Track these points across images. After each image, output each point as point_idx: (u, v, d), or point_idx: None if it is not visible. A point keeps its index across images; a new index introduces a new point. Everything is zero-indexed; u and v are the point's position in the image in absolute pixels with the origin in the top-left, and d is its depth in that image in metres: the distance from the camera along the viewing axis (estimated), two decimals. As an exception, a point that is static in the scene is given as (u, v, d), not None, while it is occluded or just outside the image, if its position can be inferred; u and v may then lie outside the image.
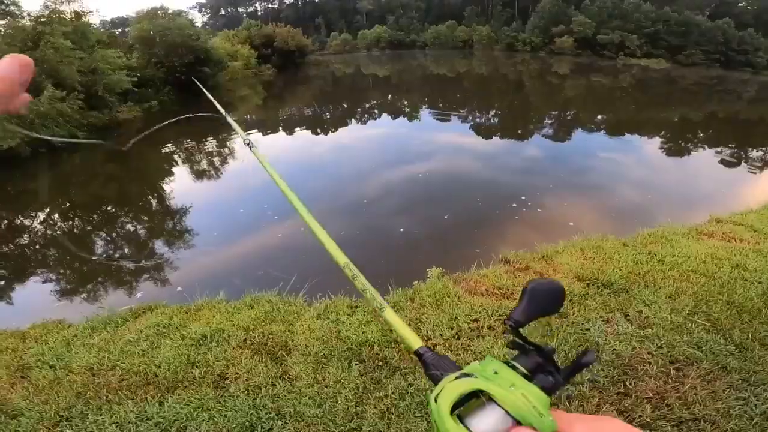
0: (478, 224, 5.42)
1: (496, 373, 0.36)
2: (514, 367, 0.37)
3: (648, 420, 1.71)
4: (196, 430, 1.80)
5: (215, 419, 1.84)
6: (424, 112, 16.13)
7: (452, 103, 18.53)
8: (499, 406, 0.33)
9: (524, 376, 0.37)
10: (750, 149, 10.71)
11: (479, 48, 47.46)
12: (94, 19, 14.16)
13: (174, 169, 9.75)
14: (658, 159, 9.68)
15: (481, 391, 0.34)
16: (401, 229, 5.39)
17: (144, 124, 13.29)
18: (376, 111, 17.13)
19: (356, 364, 2.10)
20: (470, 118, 14.79)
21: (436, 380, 0.40)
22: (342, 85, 27.76)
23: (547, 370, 0.37)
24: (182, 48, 18.31)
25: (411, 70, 34.46)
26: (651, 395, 1.83)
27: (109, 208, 7.46)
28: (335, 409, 1.85)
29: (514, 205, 5.97)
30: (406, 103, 19.04)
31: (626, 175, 8.09)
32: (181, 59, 18.26)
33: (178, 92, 17.86)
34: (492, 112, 16.17)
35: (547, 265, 3.08)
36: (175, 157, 10.86)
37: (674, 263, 3.02)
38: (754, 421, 1.70)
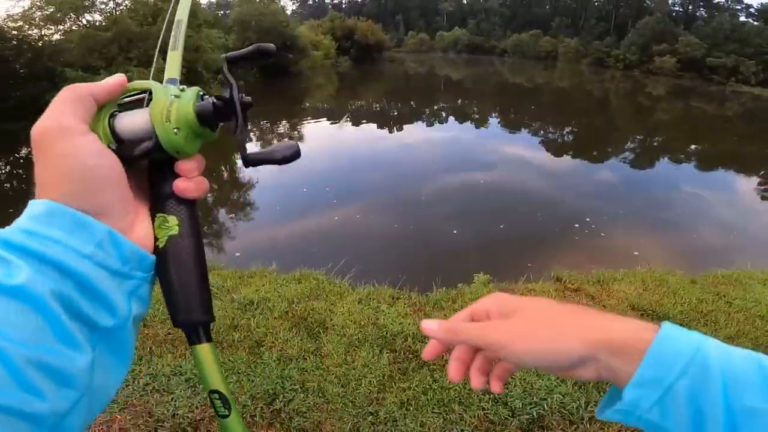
0: (534, 239, 5.23)
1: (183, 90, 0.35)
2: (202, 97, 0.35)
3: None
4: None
5: (242, 382, 1.91)
6: (494, 120, 15.71)
7: (525, 114, 17.83)
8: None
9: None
10: None
11: (563, 60, 45.08)
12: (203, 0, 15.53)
13: (247, 146, 10.44)
14: (752, 199, 8.58)
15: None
16: (454, 231, 5.34)
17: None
18: (443, 114, 16.99)
19: (387, 353, 2.14)
20: (542, 132, 14.14)
21: None
22: (413, 83, 27.84)
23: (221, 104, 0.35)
24: (272, 33, 19.53)
25: (486, 76, 33.64)
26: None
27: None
28: (358, 391, 1.90)
29: (577, 225, 5.65)
30: (476, 109, 18.66)
31: (710, 212, 7.27)
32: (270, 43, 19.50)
33: (263, 75, 19.10)
34: (567, 129, 15.29)
35: (601, 289, 2.91)
36: (251, 135, 11.63)
37: (742, 306, 2.78)
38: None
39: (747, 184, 9.59)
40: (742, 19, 40.15)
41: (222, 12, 30.83)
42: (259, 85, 18.09)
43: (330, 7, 65.34)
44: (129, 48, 11.57)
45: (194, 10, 14.68)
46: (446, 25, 60.65)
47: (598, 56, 42.66)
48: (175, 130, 0.32)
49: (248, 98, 0.36)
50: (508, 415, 1.75)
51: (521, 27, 53.03)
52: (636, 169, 10.26)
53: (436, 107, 18.61)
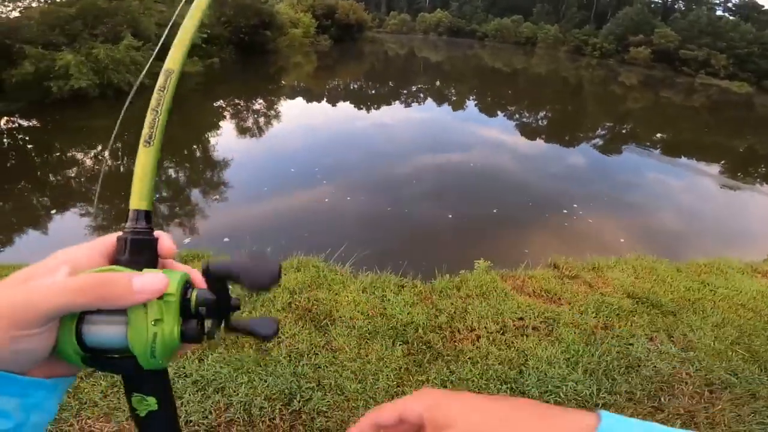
0: (527, 224, 5.34)
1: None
2: (187, 301, 0.33)
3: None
4: (235, 392, 1.73)
5: (254, 383, 1.79)
6: (471, 103, 15.75)
7: (502, 98, 17.98)
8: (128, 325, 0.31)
9: (185, 310, 0.33)
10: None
11: (543, 47, 45.46)
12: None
13: (224, 124, 10.02)
14: (711, 188, 9.04)
15: None
16: (450, 216, 5.34)
17: (204, 78, 13.69)
18: (421, 95, 16.90)
19: (400, 345, 2.12)
20: (518, 116, 14.34)
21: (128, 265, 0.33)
22: (393, 64, 27.45)
23: (207, 315, 0.34)
24: (250, 10, 18.73)
25: (465, 59, 33.52)
26: (682, 412, 1.91)
27: (166, 154, 7.78)
28: (376, 386, 1.86)
29: (565, 211, 5.82)
30: (453, 91, 18.63)
31: (676, 199, 7.66)
32: (247, 21, 18.65)
33: (239, 52, 18.31)
34: (542, 114, 15.55)
35: (597, 277, 3.01)
36: (224, 113, 11.19)
37: (725, 295, 2.99)
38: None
39: (707, 173, 10.05)
40: (719, 13, 41.44)
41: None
42: (236, 64, 17.38)
43: (311, -17, 62.72)
44: (94, 24, 10.71)
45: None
46: (429, 6, 59.70)
47: (576, 44, 43.28)
48: (161, 361, 0.32)
49: (237, 301, 0.34)
50: (527, 404, 1.79)
51: (503, 12, 52.82)
52: (603, 154, 10.53)
53: (414, 88, 18.44)
